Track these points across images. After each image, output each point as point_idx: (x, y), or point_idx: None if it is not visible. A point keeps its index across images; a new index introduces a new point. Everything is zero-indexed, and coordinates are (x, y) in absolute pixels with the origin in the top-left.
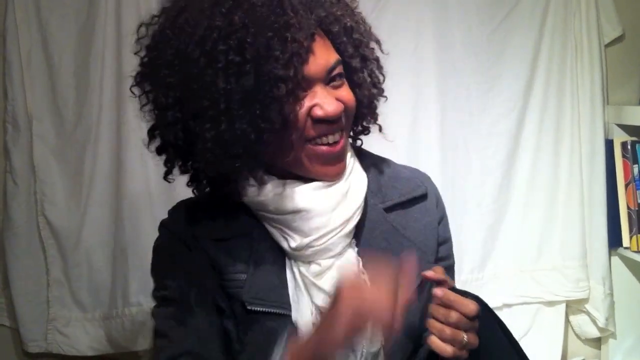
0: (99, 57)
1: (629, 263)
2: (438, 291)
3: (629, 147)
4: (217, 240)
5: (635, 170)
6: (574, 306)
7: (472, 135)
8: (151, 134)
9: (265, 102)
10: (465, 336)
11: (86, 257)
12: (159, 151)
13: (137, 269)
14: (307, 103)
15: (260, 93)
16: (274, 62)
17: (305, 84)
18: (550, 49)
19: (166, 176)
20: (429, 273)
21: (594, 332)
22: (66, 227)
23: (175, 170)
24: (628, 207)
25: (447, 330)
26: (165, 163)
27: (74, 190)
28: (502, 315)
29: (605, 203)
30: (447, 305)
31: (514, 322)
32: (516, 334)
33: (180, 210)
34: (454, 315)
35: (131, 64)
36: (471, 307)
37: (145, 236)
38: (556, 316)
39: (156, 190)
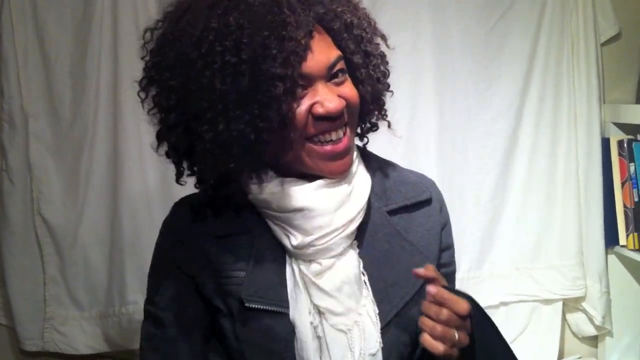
0: (95, 56)
1: (625, 261)
2: (431, 288)
3: (625, 145)
4: (219, 237)
5: (632, 168)
6: (570, 304)
7: (469, 134)
8: (159, 137)
9: (263, 102)
10: (457, 334)
11: (83, 256)
12: (168, 154)
13: (135, 267)
14: (308, 101)
15: (258, 93)
16: (271, 61)
17: (306, 82)
18: (546, 48)
19: (177, 179)
20: (420, 271)
21: (591, 330)
22: (63, 226)
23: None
24: (624, 206)
25: (438, 328)
26: (176, 166)
27: (70, 189)
28: (499, 313)
29: (602, 201)
30: (440, 303)
31: (511, 320)
32: (513, 332)
33: (184, 206)
34: (445, 313)
35: (128, 64)
36: (463, 305)
37: (142, 235)
38: (553, 314)
39: (154, 189)
